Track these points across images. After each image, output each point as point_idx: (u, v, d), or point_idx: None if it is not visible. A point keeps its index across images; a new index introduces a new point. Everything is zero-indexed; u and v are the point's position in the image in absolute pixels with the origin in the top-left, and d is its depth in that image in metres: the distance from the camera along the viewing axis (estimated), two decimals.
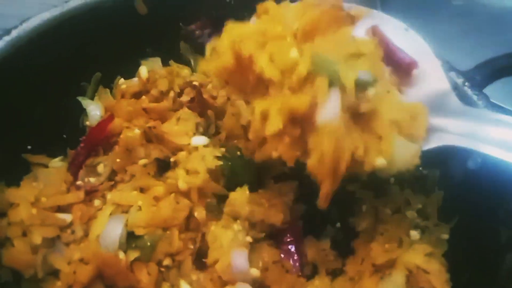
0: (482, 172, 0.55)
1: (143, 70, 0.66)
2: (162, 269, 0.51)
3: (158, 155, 0.60)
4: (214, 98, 0.68)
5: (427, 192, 0.62)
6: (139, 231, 0.50)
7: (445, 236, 0.57)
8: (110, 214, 0.51)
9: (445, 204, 0.59)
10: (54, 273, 0.47)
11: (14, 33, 0.54)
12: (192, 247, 0.54)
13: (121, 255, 0.49)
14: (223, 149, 0.61)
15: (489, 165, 0.54)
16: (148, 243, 0.50)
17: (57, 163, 0.57)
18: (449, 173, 0.60)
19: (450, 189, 0.60)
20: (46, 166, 0.56)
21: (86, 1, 0.61)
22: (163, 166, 0.61)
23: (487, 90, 0.60)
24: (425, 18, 0.89)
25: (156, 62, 0.69)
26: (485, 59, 0.61)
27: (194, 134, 0.62)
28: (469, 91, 0.58)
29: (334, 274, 0.57)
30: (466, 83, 0.59)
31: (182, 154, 0.61)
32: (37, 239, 0.47)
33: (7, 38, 0.53)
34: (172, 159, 0.61)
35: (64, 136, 0.61)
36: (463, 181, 0.58)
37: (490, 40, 0.97)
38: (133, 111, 0.61)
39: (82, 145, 0.57)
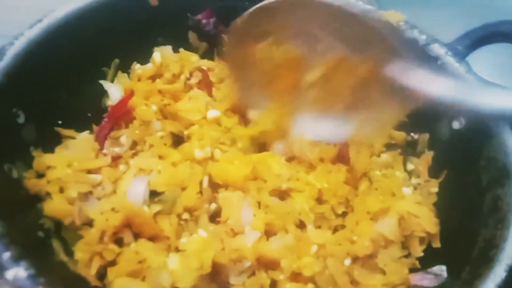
0: (465, 131, 0.61)
1: (157, 55, 0.73)
2: (182, 222, 0.57)
3: (173, 129, 0.67)
4: (220, 81, 0.75)
5: (419, 154, 0.69)
6: (160, 188, 0.57)
7: (435, 190, 0.63)
8: (134, 175, 0.58)
9: (434, 161, 0.66)
10: (89, 224, 0.54)
11: (46, 21, 0.61)
12: (207, 206, 0.60)
13: (146, 208, 0.55)
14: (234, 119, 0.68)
15: (471, 124, 0.61)
16: (169, 198, 0.56)
17: (84, 136, 0.64)
18: (437, 135, 0.66)
19: (438, 148, 0.66)
20: (74, 138, 0.62)
21: None
22: (177, 141, 0.67)
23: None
24: (417, 6, 0.96)
25: (168, 49, 0.76)
26: None
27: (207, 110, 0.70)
28: (451, 60, 0.65)
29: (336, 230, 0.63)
30: (449, 53, 0.66)
31: (194, 128, 0.68)
32: (73, 193, 0.53)
33: (39, 26, 0.60)
34: (185, 132, 0.68)
35: (89, 114, 0.68)
36: (449, 140, 0.64)
37: (477, 24, 1.03)
38: (149, 90, 0.68)
39: (106, 119, 0.64)
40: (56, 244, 0.52)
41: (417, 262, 0.55)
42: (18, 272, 0.38)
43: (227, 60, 0.66)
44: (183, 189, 0.59)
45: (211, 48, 0.78)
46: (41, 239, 0.51)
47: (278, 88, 0.66)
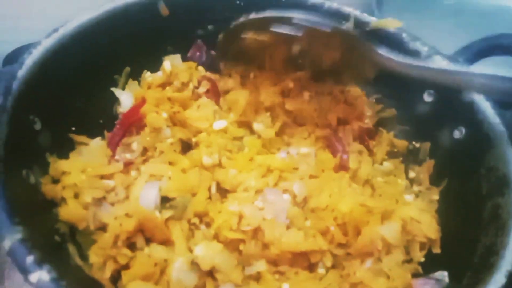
0: (466, 140, 0.64)
1: (167, 64, 0.75)
2: (192, 227, 0.59)
3: (182, 136, 0.69)
4: (227, 92, 0.77)
5: (420, 162, 0.71)
6: (171, 194, 0.59)
7: (436, 197, 0.65)
8: (146, 181, 0.60)
9: (435, 170, 0.68)
10: (103, 228, 0.55)
11: (61, 31, 0.63)
12: None
13: (157, 214, 0.57)
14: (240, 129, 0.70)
15: (471, 133, 0.63)
16: (180, 204, 0.58)
17: (97, 142, 0.66)
18: (439, 144, 0.69)
19: (439, 157, 0.68)
20: (87, 145, 0.64)
21: (117, 5, 0.70)
22: (186, 147, 0.69)
23: None
24: (418, 17, 0.98)
25: (177, 58, 0.78)
26: None
27: (214, 119, 0.72)
28: None
29: None
30: (450, 64, 0.68)
31: (202, 135, 0.70)
32: (87, 198, 0.55)
33: (55, 35, 0.62)
34: (194, 140, 0.70)
35: (101, 121, 0.70)
36: (450, 149, 0.66)
37: (479, 35, 1.06)
38: (160, 98, 0.70)
39: (118, 126, 0.66)
40: (72, 248, 0.54)
41: (419, 268, 0.57)
42: (42, 275, 0.40)
43: (224, 55, 0.72)
44: (193, 195, 0.61)
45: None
46: (57, 243, 0.53)
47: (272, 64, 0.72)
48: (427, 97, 0.71)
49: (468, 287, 0.46)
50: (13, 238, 0.43)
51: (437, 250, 0.57)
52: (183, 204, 0.58)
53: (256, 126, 0.72)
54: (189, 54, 0.78)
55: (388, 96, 0.77)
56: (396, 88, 0.75)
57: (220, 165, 0.67)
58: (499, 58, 0.67)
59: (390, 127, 0.76)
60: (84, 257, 0.54)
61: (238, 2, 0.78)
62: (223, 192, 0.64)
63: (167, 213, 0.57)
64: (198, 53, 0.79)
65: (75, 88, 0.66)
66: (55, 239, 0.53)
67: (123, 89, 0.73)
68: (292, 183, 0.65)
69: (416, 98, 0.72)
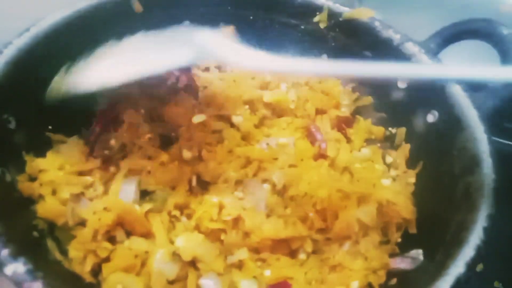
0: (438, 124, 0.65)
1: None
2: (173, 219, 0.59)
3: (161, 132, 0.69)
4: (205, 86, 0.78)
5: (396, 147, 0.72)
6: (150, 188, 0.59)
7: (412, 180, 0.66)
8: (124, 176, 0.60)
9: (411, 154, 0.69)
10: (82, 224, 0.55)
11: (33, 30, 0.63)
12: None
13: (137, 207, 0.57)
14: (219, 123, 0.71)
15: (444, 116, 0.65)
16: (160, 197, 0.59)
17: (74, 140, 0.65)
18: (413, 129, 0.70)
19: (414, 141, 0.69)
20: (65, 143, 0.64)
21: (90, 3, 0.70)
22: (166, 142, 0.70)
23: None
24: (399, 10, 0.99)
25: None
26: None
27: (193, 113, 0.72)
28: (425, 57, 0.69)
29: None
30: (422, 50, 0.69)
31: (182, 129, 0.70)
32: (65, 194, 0.55)
33: (27, 34, 0.62)
34: (173, 134, 0.70)
35: (78, 119, 0.70)
36: (424, 133, 0.68)
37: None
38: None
39: (95, 123, 0.66)
40: (51, 244, 0.54)
41: (396, 248, 0.59)
42: (17, 267, 0.40)
43: None
44: (173, 188, 0.62)
45: None
46: (36, 239, 0.53)
47: None
48: (401, 84, 0.72)
49: (440, 263, 0.47)
50: None
51: (413, 230, 0.59)
52: (162, 197, 0.59)
53: (235, 119, 0.73)
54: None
55: (364, 84, 0.79)
56: None
57: (200, 158, 0.67)
58: (468, 42, 0.68)
59: (367, 114, 0.77)
60: (64, 252, 0.54)
61: None
62: (203, 184, 0.65)
63: (147, 206, 0.58)
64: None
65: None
66: (33, 235, 0.53)
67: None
68: (271, 173, 0.65)
69: (390, 85, 0.74)
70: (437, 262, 0.49)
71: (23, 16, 0.66)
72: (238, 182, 0.64)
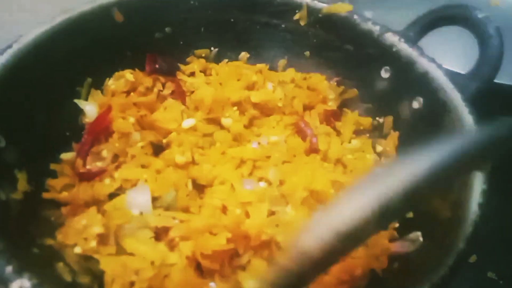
0: (424, 109, 0.67)
1: (128, 75, 0.75)
2: None
3: (152, 139, 0.69)
4: (192, 91, 0.78)
5: (385, 136, 0.73)
6: (155, 193, 0.59)
7: None
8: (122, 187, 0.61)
9: (400, 141, 0.71)
10: None
11: (15, 46, 0.62)
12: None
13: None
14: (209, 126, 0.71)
15: (428, 101, 0.66)
16: (168, 201, 0.59)
17: (67, 155, 0.65)
18: (400, 116, 0.72)
19: (402, 128, 0.71)
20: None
21: (70, 15, 0.70)
22: (157, 150, 0.70)
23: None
24: (389, 5, 1.00)
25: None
26: None
27: (183, 118, 0.73)
28: (405, 46, 0.70)
29: None
30: (402, 40, 0.71)
31: (173, 135, 0.70)
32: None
33: (10, 51, 0.61)
34: (164, 141, 0.70)
35: (68, 133, 0.69)
36: (411, 119, 0.69)
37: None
38: (125, 104, 0.70)
39: (85, 136, 0.66)
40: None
41: (395, 233, 0.60)
42: (23, 283, 0.40)
43: None
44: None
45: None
46: (37, 255, 0.52)
47: None
48: (384, 74, 0.74)
49: (439, 240, 0.48)
50: None
51: (409, 214, 0.60)
52: (171, 200, 0.59)
53: (225, 121, 0.74)
54: (147, 69, 0.77)
55: (349, 77, 0.80)
56: (354, 69, 0.78)
57: (193, 162, 0.67)
58: (446, 28, 0.70)
59: (354, 106, 0.79)
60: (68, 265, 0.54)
61: (192, 2, 0.79)
62: (199, 188, 0.65)
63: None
64: (156, 65, 0.78)
65: (37, 103, 0.64)
66: (34, 251, 0.52)
67: (86, 99, 0.73)
68: (266, 171, 0.66)
69: (374, 76, 0.75)
70: (436, 241, 0.50)
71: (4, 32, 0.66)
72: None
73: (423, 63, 0.67)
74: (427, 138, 0.62)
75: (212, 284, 0.56)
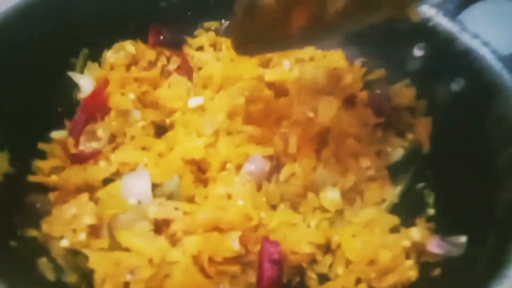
0: (466, 91, 0.59)
1: (129, 47, 0.67)
2: None
3: (154, 118, 0.62)
4: (200, 67, 0.70)
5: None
6: (156, 180, 0.52)
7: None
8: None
9: (435, 128, 0.62)
10: None
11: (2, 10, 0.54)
12: None
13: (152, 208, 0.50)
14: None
15: (471, 84, 0.58)
16: (170, 189, 0.52)
17: (58, 134, 0.58)
18: (436, 100, 0.63)
19: (438, 114, 0.63)
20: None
21: None
22: (160, 131, 0.62)
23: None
24: None
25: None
26: None
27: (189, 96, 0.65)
28: (443, 20, 0.62)
29: None
30: (440, 13, 0.62)
31: (177, 114, 0.63)
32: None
33: None
34: (168, 121, 0.63)
35: (60, 110, 0.62)
36: (449, 103, 0.61)
37: None
38: (125, 78, 0.63)
39: (79, 113, 0.59)
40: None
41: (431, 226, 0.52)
42: None
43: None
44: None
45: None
46: (14, 249, 0.45)
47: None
48: (418, 52, 0.66)
49: (496, 246, 0.40)
50: None
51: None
52: (174, 188, 0.52)
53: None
54: (150, 41, 0.69)
55: (375, 56, 0.72)
56: (382, 46, 0.70)
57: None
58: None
59: (379, 88, 0.70)
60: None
61: None
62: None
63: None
64: (160, 37, 0.70)
65: (25, 74, 0.58)
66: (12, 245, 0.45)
67: (82, 72, 0.65)
68: None
69: (405, 54, 0.67)
70: (491, 246, 0.42)
71: None
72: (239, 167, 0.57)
73: (465, 40, 0.59)
74: (469, 125, 0.57)
75: (221, 286, 0.48)
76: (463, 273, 0.44)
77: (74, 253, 0.46)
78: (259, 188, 0.55)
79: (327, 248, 0.53)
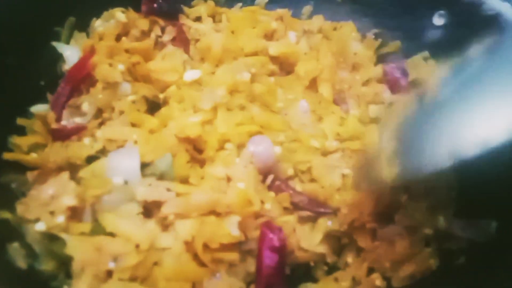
0: None
1: (120, 15, 0.62)
2: None
3: (146, 93, 0.57)
4: (198, 39, 0.64)
5: None
6: (146, 158, 0.47)
7: None
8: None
9: None
10: None
11: None
12: None
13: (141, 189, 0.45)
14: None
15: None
16: (162, 168, 0.47)
17: (39, 108, 0.53)
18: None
19: None
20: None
21: None
22: (153, 107, 0.57)
23: None
24: None
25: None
26: None
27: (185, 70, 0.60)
28: None
29: None
30: None
31: (172, 89, 0.58)
32: None
33: None
34: (161, 96, 0.58)
35: (42, 83, 0.57)
36: None
37: None
38: (114, 47, 0.57)
39: (62, 85, 0.53)
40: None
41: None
42: None
43: None
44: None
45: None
46: None
47: None
48: (438, 20, 0.61)
49: None
50: None
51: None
52: (166, 167, 0.47)
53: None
54: (143, 10, 0.64)
55: (390, 27, 0.66)
56: (398, 16, 0.64)
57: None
58: None
59: (395, 61, 0.64)
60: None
61: None
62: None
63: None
64: (154, 5, 0.64)
65: (6, 45, 0.53)
66: None
67: (68, 43, 0.60)
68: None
69: (424, 23, 0.63)
70: None
71: None
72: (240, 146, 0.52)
73: (494, 3, 0.53)
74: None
75: (217, 275, 0.43)
76: (491, 262, 0.38)
77: (51, 238, 0.41)
78: (263, 173, 0.49)
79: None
